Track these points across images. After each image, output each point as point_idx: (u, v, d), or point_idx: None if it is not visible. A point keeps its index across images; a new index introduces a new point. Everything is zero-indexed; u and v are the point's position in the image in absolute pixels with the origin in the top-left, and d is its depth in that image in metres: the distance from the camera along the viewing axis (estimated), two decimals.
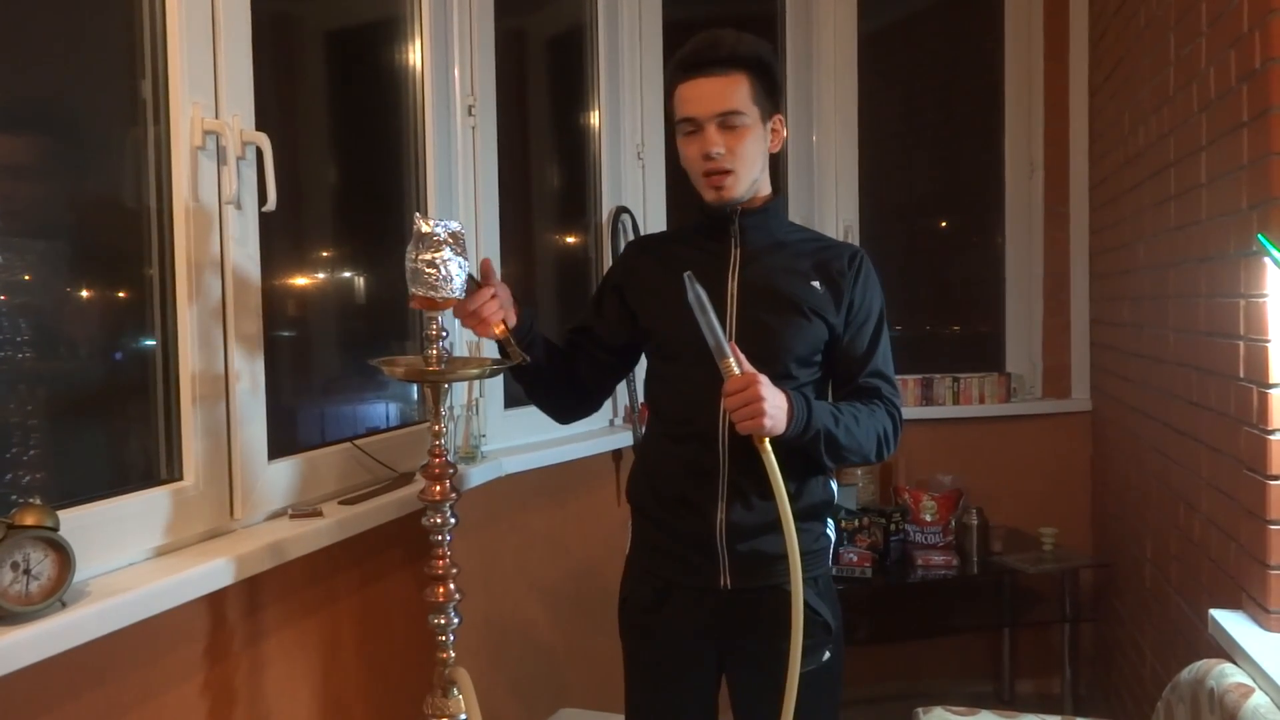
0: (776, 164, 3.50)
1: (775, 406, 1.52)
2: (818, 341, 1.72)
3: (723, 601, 1.72)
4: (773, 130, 1.73)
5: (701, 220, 1.78)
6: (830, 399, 1.79)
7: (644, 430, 1.88)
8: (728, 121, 1.65)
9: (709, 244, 1.75)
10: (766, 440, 1.51)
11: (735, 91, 1.65)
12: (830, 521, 1.80)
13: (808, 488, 1.72)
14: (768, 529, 1.65)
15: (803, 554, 1.51)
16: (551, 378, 1.78)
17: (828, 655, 1.72)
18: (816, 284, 1.72)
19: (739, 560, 1.69)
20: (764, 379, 1.52)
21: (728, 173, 1.66)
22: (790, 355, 1.69)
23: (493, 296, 1.58)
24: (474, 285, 1.59)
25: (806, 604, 1.51)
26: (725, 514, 1.68)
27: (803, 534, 1.53)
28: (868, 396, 1.73)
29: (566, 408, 1.89)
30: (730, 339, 1.54)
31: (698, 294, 1.48)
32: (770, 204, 1.76)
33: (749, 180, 1.70)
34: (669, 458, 1.74)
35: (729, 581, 1.70)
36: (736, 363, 1.51)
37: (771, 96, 1.70)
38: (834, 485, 1.80)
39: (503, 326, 1.60)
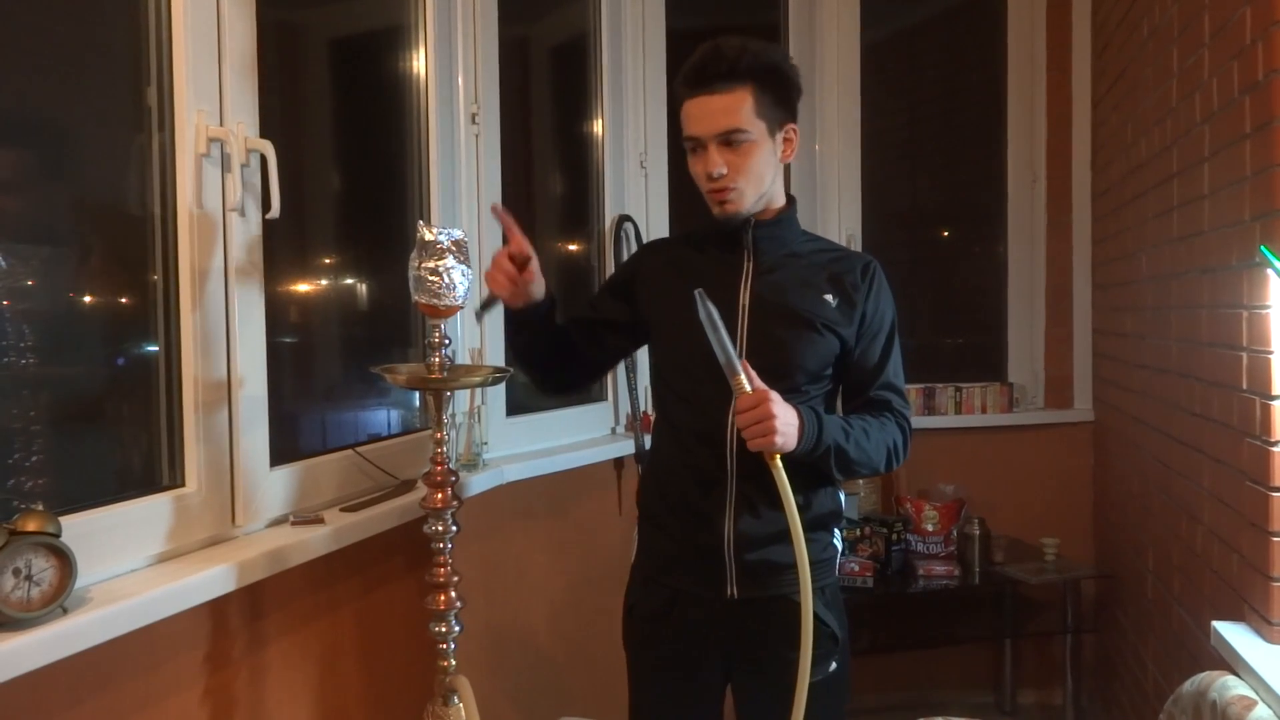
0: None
1: (787, 424, 1.52)
2: (829, 355, 1.71)
3: (730, 611, 1.71)
4: (785, 140, 1.71)
5: (716, 228, 1.77)
6: (840, 409, 1.78)
7: (654, 438, 1.88)
8: (730, 139, 1.63)
9: (722, 254, 1.74)
10: (778, 456, 1.51)
11: (738, 109, 1.62)
12: (837, 531, 1.80)
13: (816, 498, 1.72)
14: (776, 539, 1.65)
15: (811, 564, 1.51)
16: (545, 360, 1.79)
17: (835, 665, 1.71)
18: (829, 297, 1.71)
19: (747, 570, 1.68)
20: (775, 396, 1.52)
21: (730, 189, 1.65)
22: (801, 370, 1.68)
23: (521, 270, 1.63)
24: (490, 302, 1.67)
25: (814, 614, 1.51)
26: (733, 523, 1.67)
27: (811, 544, 1.53)
28: (878, 409, 1.73)
29: (547, 384, 1.89)
30: (741, 352, 1.54)
31: (709, 312, 1.48)
32: (784, 214, 1.76)
33: (755, 194, 1.69)
34: (677, 466, 1.74)
35: (736, 591, 1.69)
36: (748, 380, 1.51)
37: (782, 106, 1.68)
38: (841, 496, 1.80)
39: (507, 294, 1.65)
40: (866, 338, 1.74)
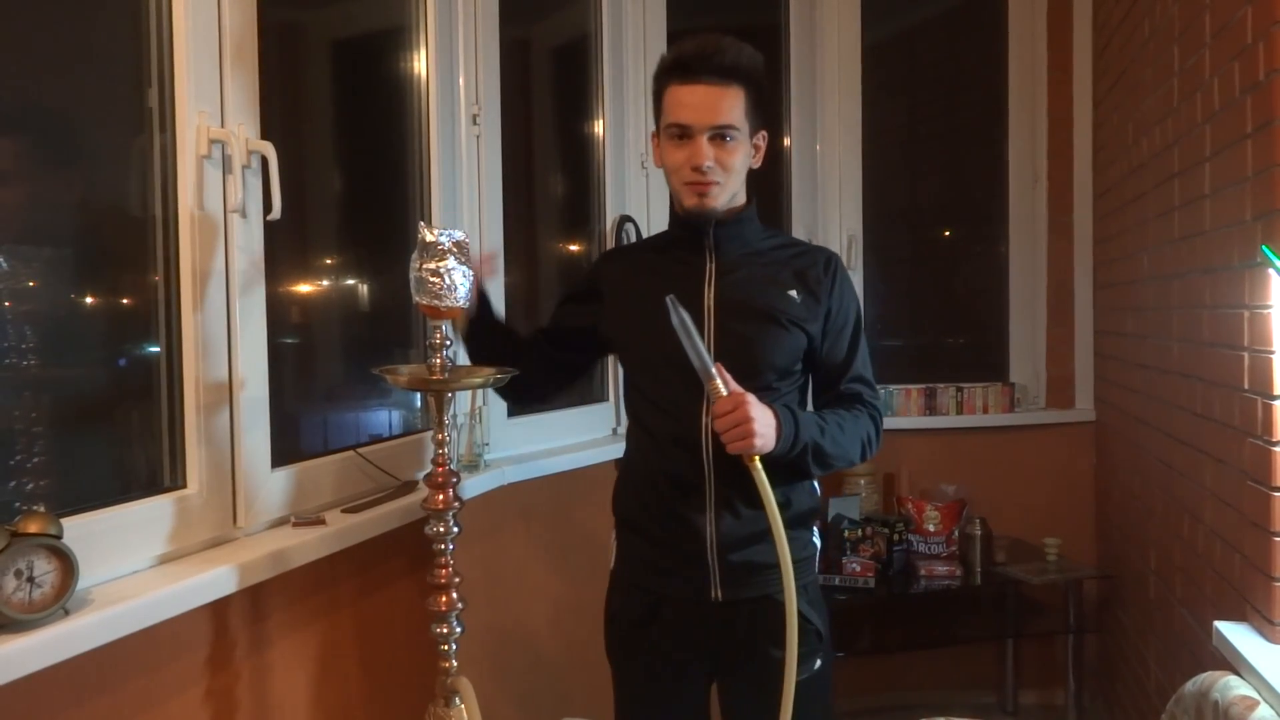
0: (779, 173, 3.51)
1: (765, 425, 1.52)
2: (797, 351, 1.71)
3: (714, 613, 1.71)
4: (755, 146, 1.71)
5: (675, 231, 1.77)
6: (810, 404, 1.79)
7: (627, 443, 1.87)
8: (720, 134, 1.63)
9: (684, 255, 1.74)
10: (757, 458, 1.51)
11: (733, 105, 1.63)
12: (815, 529, 1.81)
13: (795, 496, 1.72)
14: (757, 539, 1.65)
15: (793, 562, 1.52)
16: (510, 361, 1.79)
17: (819, 663, 1.72)
18: (794, 293, 1.71)
19: (730, 571, 1.68)
20: (752, 398, 1.52)
21: (713, 184, 1.65)
22: (771, 368, 1.69)
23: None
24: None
25: (799, 613, 1.51)
26: (715, 526, 1.67)
27: (792, 542, 1.54)
28: (849, 402, 1.74)
29: (514, 395, 1.91)
30: (710, 353, 1.54)
31: (682, 318, 1.48)
32: (744, 213, 1.75)
33: (730, 193, 1.69)
34: (654, 471, 1.74)
35: (720, 593, 1.69)
36: (723, 383, 1.51)
37: (760, 111, 1.69)
38: (818, 492, 1.81)
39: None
40: (832, 332, 1.74)
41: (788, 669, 1.47)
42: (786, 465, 1.62)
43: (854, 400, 1.74)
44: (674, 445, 1.69)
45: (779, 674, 1.49)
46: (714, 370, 1.51)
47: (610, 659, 1.85)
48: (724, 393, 1.51)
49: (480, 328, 1.75)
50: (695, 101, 1.63)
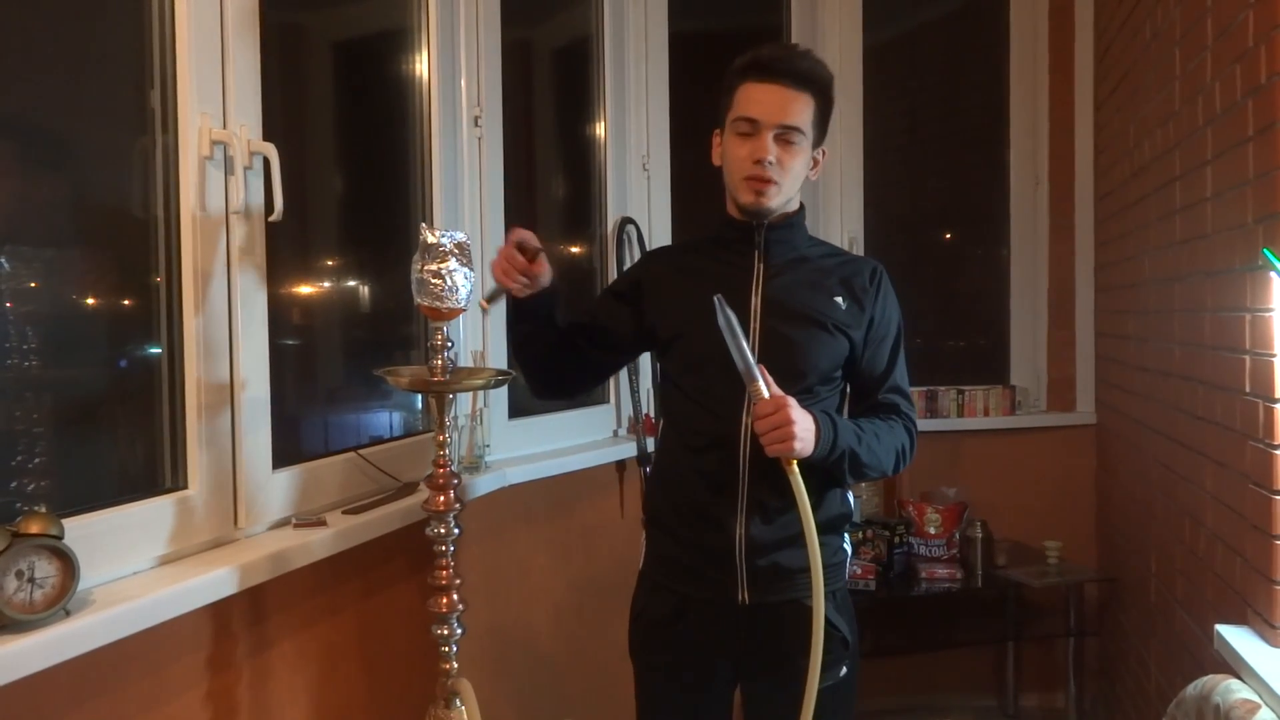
0: None
1: (805, 429, 1.53)
2: (840, 356, 1.72)
3: (740, 616, 1.71)
4: (814, 159, 1.74)
5: (724, 232, 1.78)
6: (847, 413, 1.79)
7: (659, 443, 1.87)
8: (786, 135, 1.65)
9: (732, 257, 1.75)
10: (794, 461, 1.52)
11: (803, 109, 1.66)
12: (846, 535, 1.81)
13: (827, 501, 1.72)
14: (787, 543, 1.65)
15: (823, 568, 1.51)
16: (543, 355, 1.77)
17: (845, 670, 1.71)
18: (840, 299, 1.73)
19: (758, 574, 1.68)
20: (793, 401, 1.53)
21: (771, 182, 1.67)
22: (814, 371, 1.69)
23: (531, 261, 1.61)
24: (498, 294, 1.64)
25: (826, 618, 1.51)
26: (744, 528, 1.67)
27: (822, 548, 1.54)
28: (886, 412, 1.74)
29: (543, 384, 1.86)
30: (754, 354, 1.54)
31: (728, 318, 1.49)
32: (794, 218, 1.77)
33: (785, 197, 1.70)
34: (688, 470, 1.74)
35: (747, 596, 1.69)
36: (765, 385, 1.52)
37: (824, 127, 1.72)
38: (851, 499, 1.81)
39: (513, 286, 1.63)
40: (874, 342, 1.75)
41: (810, 674, 1.47)
42: (823, 471, 1.63)
43: (890, 411, 1.75)
44: (710, 444, 1.69)
45: (803, 679, 1.48)
46: (757, 372, 1.52)
47: (633, 658, 1.84)
48: (766, 395, 1.52)
49: (543, 314, 1.70)
50: (767, 99, 1.65)
